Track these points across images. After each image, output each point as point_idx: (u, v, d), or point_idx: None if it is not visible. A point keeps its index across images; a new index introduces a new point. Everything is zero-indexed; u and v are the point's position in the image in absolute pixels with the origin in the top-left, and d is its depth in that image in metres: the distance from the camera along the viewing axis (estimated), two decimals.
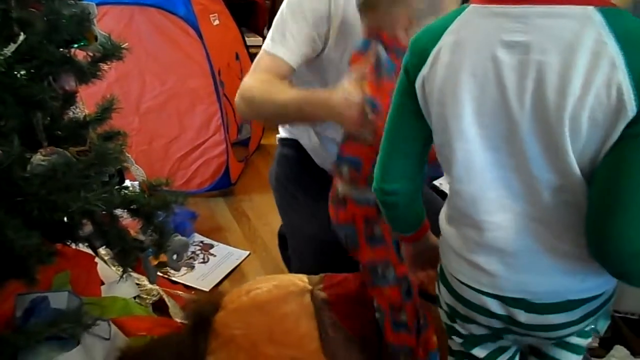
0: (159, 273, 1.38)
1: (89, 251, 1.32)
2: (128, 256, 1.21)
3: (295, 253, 1.61)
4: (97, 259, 1.44)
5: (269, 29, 1.34)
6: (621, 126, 0.62)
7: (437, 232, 0.89)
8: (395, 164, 0.85)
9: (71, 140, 1.10)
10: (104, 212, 1.13)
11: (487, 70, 0.69)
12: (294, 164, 1.57)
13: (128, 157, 1.21)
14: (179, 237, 1.30)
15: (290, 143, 1.59)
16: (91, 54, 1.10)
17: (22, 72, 0.96)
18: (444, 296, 0.88)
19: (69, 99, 1.12)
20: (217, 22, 2.44)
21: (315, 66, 1.33)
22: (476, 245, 0.78)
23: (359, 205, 1.11)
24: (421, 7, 1.02)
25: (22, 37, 0.95)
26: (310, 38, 1.27)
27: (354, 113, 1.02)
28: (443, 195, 1.50)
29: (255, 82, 1.25)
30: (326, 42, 1.30)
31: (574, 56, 0.63)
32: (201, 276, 1.87)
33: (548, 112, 0.65)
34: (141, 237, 1.22)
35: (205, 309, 1.19)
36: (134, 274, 1.56)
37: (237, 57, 2.62)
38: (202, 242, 2.09)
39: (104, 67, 1.11)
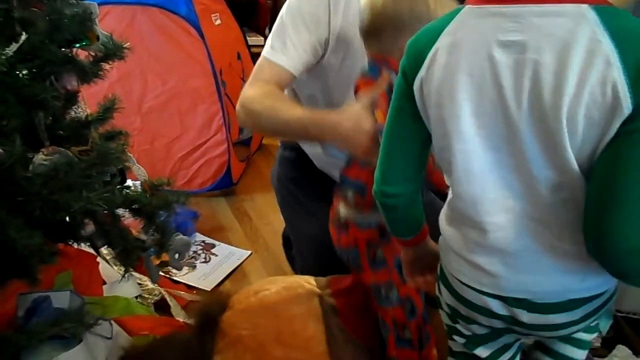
0: (160, 273, 1.37)
1: (91, 251, 1.32)
2: (130, 256, 1.21)
3: (298, 253, 1.61)
4: (99, 259, 1.44)
5: (270, 28, 1.33)
6: (617, 123, 0.62)
7: (438, 233, 0.89)
8: (395, 167, 0.85)
9: (73, 139, 1.10)
10: (105, 212, 1.14)
11: (484, 71, 0.69)
12: (295, 165, 1.57)
13: (130, 157, 1.21)
14: (181, 236, 1.30)
15: (291, 145, 1.59)
16: (93, 54, 1.10)
17: (24, 72, 0.96)
18: (445, 297, 0.88)
19: (71, 98, 1.12)
20: (218, 21, 2.44)
21: (315, 72, 1.32)
22: (477, 246, 0.78)
23: (360, 230, 1.11)
24: None
25: (24, 36, 0.95)
26: (311, 45, 1.26)
27: (365, 140, 1.01)
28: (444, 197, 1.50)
29: (257, 94, 1.22)
30: (326, 48, 1.29)
31: (568, 54, 0.63)
32: (203, 276, 1.87)
33: (545, 111, 0.65)
34: (143, 237, 1.22)
35: (212, 309, 1.19)
36: (136, 274, 1.57)
37: (239, 57, 2.62)
38: (203, 241, 2.09)
39: (106, 66, 1.11)
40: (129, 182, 1.24)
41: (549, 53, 0.64)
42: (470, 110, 0.71)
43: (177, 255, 1.30)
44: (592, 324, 0.86)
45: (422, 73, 0.75)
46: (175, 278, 1.81)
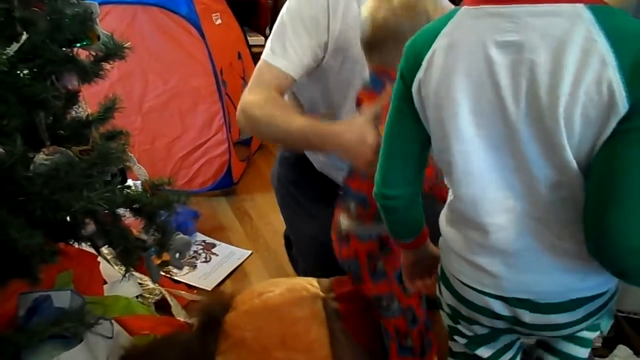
0: (161, 272, 1.38)
1: (92, 250, 1.32)
2: (130, 255, 1.21)
3: (298, 253, 1.62)
4: (99, 258, 1.44)
5: (271, 28, 1.33)
6: (613, 122, 0.62)
7: (437, 235, 0.89)
8: (395, 169, 0.85)
9: (74, 139, 1.10)
10: (106, 212, 1.14)
11: (481, 71, 0.69)
12: (295, 166, 1.57)
13: (130, 157, 1.21)
14: (181, 236, 1.30)
15: None
16: (94, 54, 1.11)
17: (25, 72, 0.96)
18: (446, 298, 0.88)
19: (72, 98, 1.12)
20: (219, 21, 2.44)
21: (315, 75, 1.32)
22: (479, 247, 0.78)
23: (361, 242, 1.12)
24: None
25: (24, 36, 0.95)
26: (311, 48, 1.26)
27: (367, 153, 1.00)
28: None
29: (258, 100, 1.22)
30: (326, 51, 1.29)
31: (563, 54, 0.63)
32: (203, 275, 1.87)
33: (542, 111, 0.65)
34: (143, 237, 1.22)
35: (214, 309, 1.19)
36: (136, 273, 1.57)
37: (240, 57, 2.62)
38: (204, 241, 2.09)
39: (107, 66, 1.11)
40: (129, 182, 1.24)
41: (544, 53, 0.64)
42: (469, 109, 0.71)
43: (177, 255, 1.30)
44: (595, 322, 0.86)
45: (420, 75, 0.75)
46: (175, 278, 1.81)
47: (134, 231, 1.24)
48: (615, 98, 0.61)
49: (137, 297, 1.53)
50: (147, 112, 2.31)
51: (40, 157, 0.98)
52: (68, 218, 1.06)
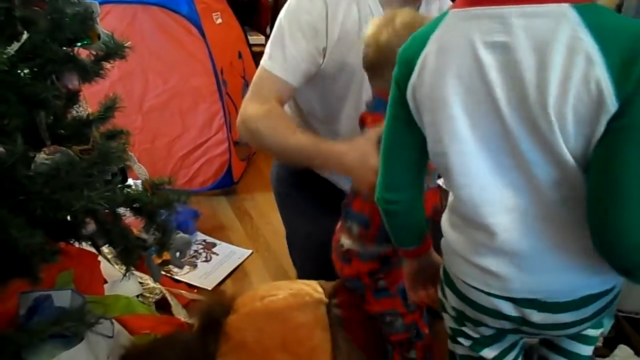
0: (161, 272, 1.38)
1: (92, 250, 1.32)
2: (131, 255, 1.21)
3: (296, 253, 1.62)
4: (100, 258, 1.44)
5: (271, 27, 1.33)
6: (604, 120, 0.62)
7: (440, 235, 0.89)
8: (394, 174, 0.86)
9: (74, 139, 1.10)
10: (107, 211, 1.14)
11: (471, 72, 0.69)
12: (294, 167, 1.57)
13: (131, 156, 1.21)
14: (182, 235, 1.30)
15: None
16: (94, 53, 1.10)
17: (26, 71, 0.95)
18: (450, 300, 0.88)
19: (72, 97, 1.12)
20: (219, 20, 2.44)
21: (313, 80, 1.32)
22: (485, 248, 0.77)
23: (362, 262, 1.12)
24: None
25: (25, 35, 0.95)
26: (310, 54, 1.26)
27: (369, 176, 0.99)
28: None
29: (259, 111, 1.22)
30: (324, 56, 1.28)
31: (549, 54, 0.63)
32: (204, 275, 1.88)
33: (534, 111, 0.65)
34: (144, 236, 1.22)
35: (215, 311, 1.19)
36: (137, 273, 1.57)
37: (240, 56, 2.62)
38: (204, 240, 2.09)
39: (107, 65, 1.11)
40: (130, 181, 1.24)
41: (531, 53, 0.64)
42: (462, 111, 0.71)
43: (178, 254, 1.30)
44: (600, 320, 0.86)
45: (413, 80, 0.76)
46: (176, 277, 1.81)
47: (135, 230, 1.24)
48: (604, 96, 0.61)
49: (137, 296, 1.52)
50: (148, 112, 2.31)
51: (41, 157, 0.98)
52: (68, 217, 1.06)
